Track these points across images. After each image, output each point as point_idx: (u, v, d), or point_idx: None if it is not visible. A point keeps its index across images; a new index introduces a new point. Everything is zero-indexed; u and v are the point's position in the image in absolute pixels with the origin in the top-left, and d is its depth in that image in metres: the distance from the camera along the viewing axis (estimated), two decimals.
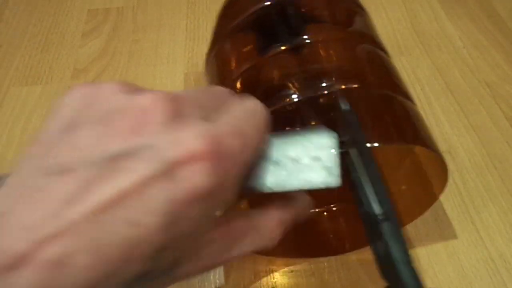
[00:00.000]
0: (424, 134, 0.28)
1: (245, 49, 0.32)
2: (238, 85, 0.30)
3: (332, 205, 0.35)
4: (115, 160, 0.14)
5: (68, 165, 0.14)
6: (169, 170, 0.14)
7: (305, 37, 0.30)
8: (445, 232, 0.33)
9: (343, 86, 0.27)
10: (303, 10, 0.32)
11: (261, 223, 0.19)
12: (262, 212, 0.20)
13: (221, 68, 0.34)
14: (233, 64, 0.33)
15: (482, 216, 0.34)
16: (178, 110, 0.15)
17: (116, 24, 0.52)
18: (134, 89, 0.16)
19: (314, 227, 0.35)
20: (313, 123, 0.26)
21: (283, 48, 0.29)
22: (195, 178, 0.14)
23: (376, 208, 0.21)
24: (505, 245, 0.33)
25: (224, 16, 0.35)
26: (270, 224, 0.19)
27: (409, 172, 0.34)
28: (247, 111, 0.18)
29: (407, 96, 0.30)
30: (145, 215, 0.13)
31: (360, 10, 0.35)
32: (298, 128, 0.26)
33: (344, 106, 0.25)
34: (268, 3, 0.31)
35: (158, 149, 0.14)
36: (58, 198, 0.13)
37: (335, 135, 0.19)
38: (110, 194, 0.13)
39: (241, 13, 0.32)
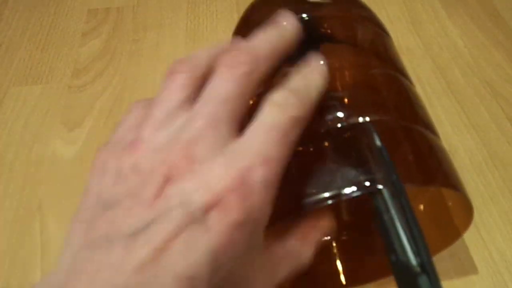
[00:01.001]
0: (450, 173, 0.26)
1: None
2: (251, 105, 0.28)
3: (342, 235, 0.32)
4: (148, 227, 0.15)
5: (110, 238, 0.15)
6: (201, 219, 0.15)
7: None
8: None
9: (368, 119, 0.24)
10: (321, 29, 0.30)
11: (295, 246, 0.20)
12: (294, 235, 0.20)
13: None
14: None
15: (483, 216, 0.34)
16: (193, 156, 0.16)
17: (116, 24, 0.52)
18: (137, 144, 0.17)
19: (322, 259, 0.32)
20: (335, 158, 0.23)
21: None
22: (228, 218, 0.15)
23: (413, 258, 0.18)
24: (506, 245, 0.33)
25: (241, 28, 0.34)
26: (304, 245, 0.20)
27: (429, 208, 0.31)
28: (273, 128, 0.17)
29: (430, 128, 0.28)
30: (190, 268, 0.14)
31: (382, 33, 0.33)
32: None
33: (377, 141, 0.23)
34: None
35: (185, 203, 0.15)
36: (107, 266, 0.14)
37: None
38: (151, 252, 0.14)
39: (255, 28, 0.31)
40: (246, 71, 0.18)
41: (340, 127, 0.24)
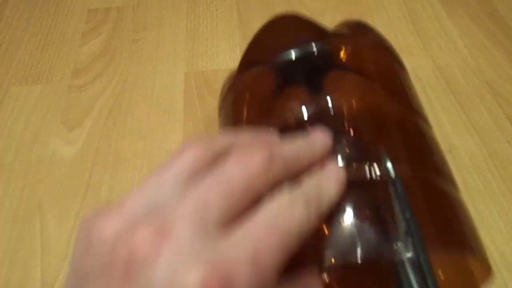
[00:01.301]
0: (471, 235, 0.23)
1: (263, 105, 0.28)
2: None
3: None
4: None
5: None
6: None
7: (330, 106, 0.26)
8: None
9: (392, 173, 0.22)
10: (336, 60, 0.29)
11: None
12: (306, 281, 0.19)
13: (235, 112, 0.30)
14: (248, 113, 0.29)
15: (483, 216, 0.34)
16: (166, 239, 0.14)
17: (116, 24, 0.52)
18: (119, 220, 0.16)
19: None
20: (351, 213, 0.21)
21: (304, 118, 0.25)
22: None
23: None
24: (506, 244, 0.33)
25: (251, 50, 0.32)
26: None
27: (448, 270, 0.28)
28: (272, 231, 0.16)
29: (451, 180, 0.25)
30: None
31: (400, 69, 0.31)
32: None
33: (404, 204, 0.21)
34: (293, 59, 0.28)
35: None
36: None
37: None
38: None
39: (266, 56, 0.29)
40: (260, 166, 0.17)
41: (360, 182, 0.22)
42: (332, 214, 0.20)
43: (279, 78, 0.29)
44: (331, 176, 0.20)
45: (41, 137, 0.42)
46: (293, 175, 0.19)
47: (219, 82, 0.45)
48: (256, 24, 0.51)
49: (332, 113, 0.26)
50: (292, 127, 0.25)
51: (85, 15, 0.54)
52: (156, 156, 0.39)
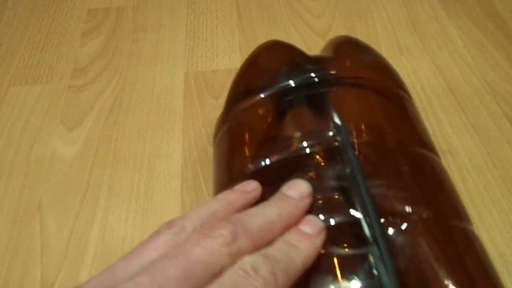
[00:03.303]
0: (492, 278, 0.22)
1: (273, 133, 0.26)
2: (254, 171, 0.25)
3: None
4: None
5: None
6: None
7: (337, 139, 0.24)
8: None
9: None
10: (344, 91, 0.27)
11: None
12: None
13: (236, 148, 0.28)
14: (251, 149, 0.26)
15: (482, 216, 0.34)
16: None
17: (116, 24, 0.52)
18: None
19: None
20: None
21: (311, 149, 0.24)
22: None
23: (367, 230, 0.20)
24: (506, 244, 0.33)
25: (243, 85, 0.31)
26: None
27: None
28: None
29: (466, 218, 0.24)
30: None
31: (405, 95, 0.30)
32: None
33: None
34: (300, 81, 0.27)
35: None
36: None
37: None
38: None
39: (266, 86, 0.28)
40: (220, 242, 0.17)
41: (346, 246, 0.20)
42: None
43: (278, 105, 0.27)
44: (307, 239, 0.20)
45: (41, 137, 0.42)
46: (266, 244, 0.19)
47: (219, 82, 0.45)
48: (256, 24, 0.51)
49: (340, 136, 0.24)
50: (296, 153, 0.24)
51: (85, 15, 0.54)
52: (156, 156, 0.39)
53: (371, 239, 0.20)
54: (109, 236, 0.35)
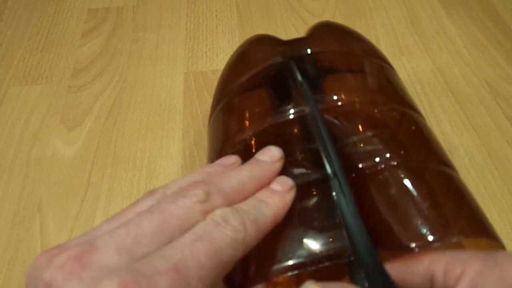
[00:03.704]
0: (473, 218, 0.23)
1: (256, 108, 0.29)
2: (248, 146, 0.27)
3: None
4: None
5: None
6: None
7: (332, 98, 0.27)
8: None
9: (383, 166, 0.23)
10: (320, 64, 0.30)
11: None
12: None
13: (227, 125, 0.30)
14: (242, 123, 0.29)
15: None
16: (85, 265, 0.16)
17: (116, 24, 0.52)
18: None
19: None
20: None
21: (300, 111, 0.27)
22: None
23: (328, 167, 0.23)
24: (506, 244, 0.33)
25: (232, 70, 0.33)
26: None
27: None
28: (200, 240, 0.18)
29: (448, 164, 0.26)
30: None
31: (386, 66, 0.32)
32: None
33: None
34: (281, 59, 0.30)
35: None
36: None
37: None
38: None
39: (251, 68, 0.31)
40: (194, 200, 0.19)
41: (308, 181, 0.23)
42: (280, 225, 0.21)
43: (267, 88, 0.30)
44: (278, 195, 0.22)
45: (41, 137, 0.42)
46: (238, 202, 0.21)
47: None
48: (256, 24, 0.51)
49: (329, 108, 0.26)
50: (284, 130, 0.26)
51: (85, 15, 0.54)
52: (156, 156, 0.39)
53: (331, 175, 0.23)
54: None
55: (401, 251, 0.20)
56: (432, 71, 0.44)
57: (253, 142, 0.27)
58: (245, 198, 0.21)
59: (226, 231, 0.18)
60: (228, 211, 0.19)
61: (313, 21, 0.50)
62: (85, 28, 0.52)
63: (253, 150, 0.25)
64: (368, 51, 0.33)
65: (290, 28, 0.50)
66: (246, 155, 0.25)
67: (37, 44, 0.51)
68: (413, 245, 0.20)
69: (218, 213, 0.19)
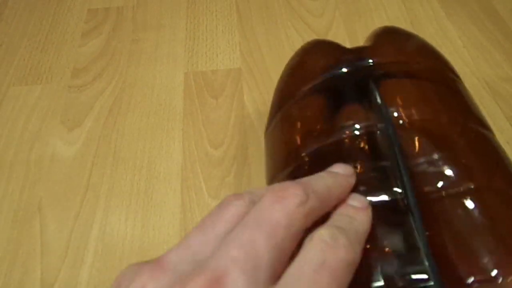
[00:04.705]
0: None
1: (318, 121, 0.27)
2: (308, 159, 0.26)
3: None
4: None
5: None
6: None
7: (395, 115, 0.25)
8: None
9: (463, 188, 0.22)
10: (386, 76, 0.28)
11: None
12: None
13: (289, 137, 0.29)
14: (303, 136, 0.28)
15: None
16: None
17: (116, 24, 0.52)
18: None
19: None
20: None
21: (369, 126, 0.25)
22: None
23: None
24: None
25: (292, 77, 0.32)
26: None
27: None
28: (323, 268, 0.15)
29: None
30: None
31: (455, 77, 0.31)
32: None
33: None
34: (345, 70, 0.29)
35: None
36: None
37: None
38: None
39: (312, 77, 0.29)
40: (297, 201, 0.17)
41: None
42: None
43: (330, 99, 0.28)
44: (361, 210, 0.20)
45: (41, 137, 0.42)
46: (326, 211, 0.19)
47: (218, 82, 0.45)
48: (256, 24, 0.51)
49: (394, 123, 0.25)
50: (351, 144, 0.25)
51: (85, 15, 0.54)
52: (156, 156, 0.39)
53: (404, 209, 0.21)
54: (109, 236, 0.35)
55: (460, 285, 0.19)
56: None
57: (317, 155, 0.26)
58: (332, 205, 0.20)
59: (340, 254, 0.16)
60: (334, 229, 0.17)
61: (313, 21, 0.51)
62: (85, 28, 0.52)
63: (317, 166, 0.24)
64: (439, 61, 0.32)
65: (290, 28, 0.50)
66: (310, 169, 0.24)
67: (37, 44, 0.51)
68: (471, 280, 0.19)
69: (325, 232, 0.17)
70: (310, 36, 0.49)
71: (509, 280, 0.19)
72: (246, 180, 0.37)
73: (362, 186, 0.23)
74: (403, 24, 0.49)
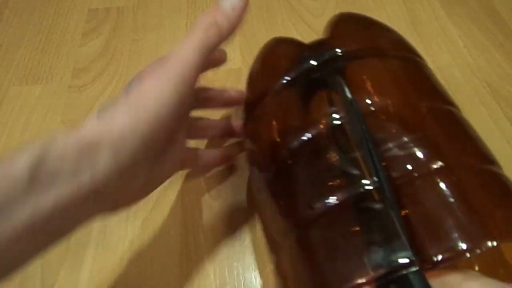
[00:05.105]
0: None
1: (291, 118, 0.28)
2: (290, 153, 0.27)
3: None
4: None
5: None
6: None
7: (369, 101, 0.26)
8: None
9: (435, 166, 0.22)
10: (349, 65, 0.29)
11: None
12: None
13: (264, 134, 0.30)
14: (281, 130, 0.29)
15: None
16: None
17: (117, 24, 0.52)
18: None
19: None
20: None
21: (337, 119, 0.26)
22: None
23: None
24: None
25: (260, 76, 0.33)
26: None
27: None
28: None
29: (493, 161, 0.25)
30: None
31: (419, 60, 0.31)
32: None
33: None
34: (313, 63, 0.29)
35: None
36: None
37: None
38: None
39: (280, 75, 0.30)
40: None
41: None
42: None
43: (300, 94, 0.29)
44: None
45: (41, 137, 0.42)
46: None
47: (219, 82, 0.45)
48: (256, 24, 0.51)
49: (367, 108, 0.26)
50: (324, 139, 0.26)
51: (85, 15, 0.54)
52: None
53: (376, 184, 0.22)
54: (109, 236, 0.35)
55: (436, 262, 0.20)
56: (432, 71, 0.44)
57: (293, 153, 0.26)
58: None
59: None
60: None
61: (313, 21, 0.50)
62: (86, 28, 0.52)
63: (296, 164, 0.25)
64: (398, 43, 0.32)
65: (290, 28, 0.50)
66: (286, 166, 0.25)
67: (37, 44, 0.51)
68: (440, 257, 0.20)
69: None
70: (310, 36, 0.49)
71: (477, 253, 0.19)
72: (246, 180, 0.37)
73: (339, 179, 0.23)
74: (404, 24, 0.49)
